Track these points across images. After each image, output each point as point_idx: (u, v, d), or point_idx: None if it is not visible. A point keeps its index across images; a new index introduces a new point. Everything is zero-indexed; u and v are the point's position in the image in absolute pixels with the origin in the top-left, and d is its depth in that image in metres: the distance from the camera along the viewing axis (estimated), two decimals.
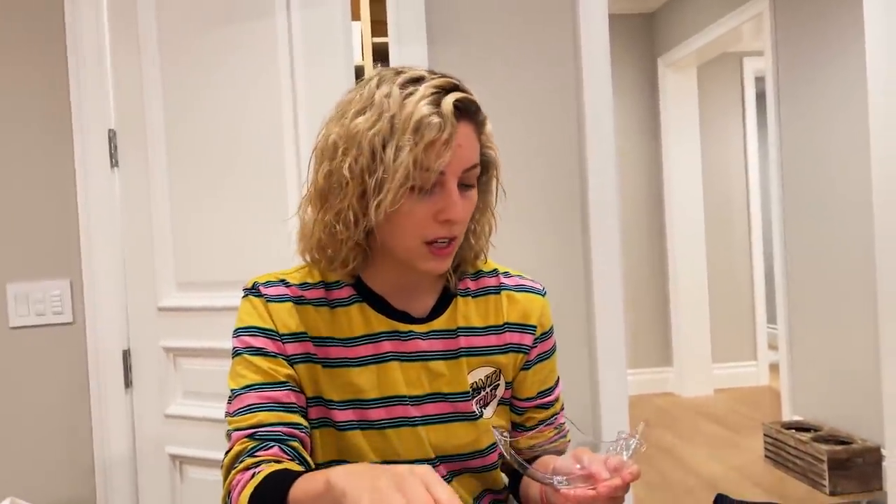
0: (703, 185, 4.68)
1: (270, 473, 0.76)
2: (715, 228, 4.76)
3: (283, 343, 0.89)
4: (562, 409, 1.06)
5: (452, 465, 0.94)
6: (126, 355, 1.84)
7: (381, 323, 0.93)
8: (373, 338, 0.92)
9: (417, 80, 0.83)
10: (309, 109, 1.61)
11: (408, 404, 0.91)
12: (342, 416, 0.90)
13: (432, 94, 0.82)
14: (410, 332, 0.93)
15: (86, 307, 1.83)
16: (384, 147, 0.81)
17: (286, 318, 0.90)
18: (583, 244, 1.90)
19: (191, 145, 1.75)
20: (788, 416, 3.54)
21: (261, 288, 0.92)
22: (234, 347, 0.91)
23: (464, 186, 0.86)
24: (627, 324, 1.81)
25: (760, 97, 4.78)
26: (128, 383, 1.84)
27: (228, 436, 0.87)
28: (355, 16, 2.24)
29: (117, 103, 1.82)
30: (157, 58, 1.77)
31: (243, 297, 0.93)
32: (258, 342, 0.89)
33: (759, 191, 4.85)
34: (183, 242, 1.78)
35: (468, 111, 0.84)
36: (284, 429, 0.85)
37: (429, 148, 0.80)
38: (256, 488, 0.75)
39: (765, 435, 3.33)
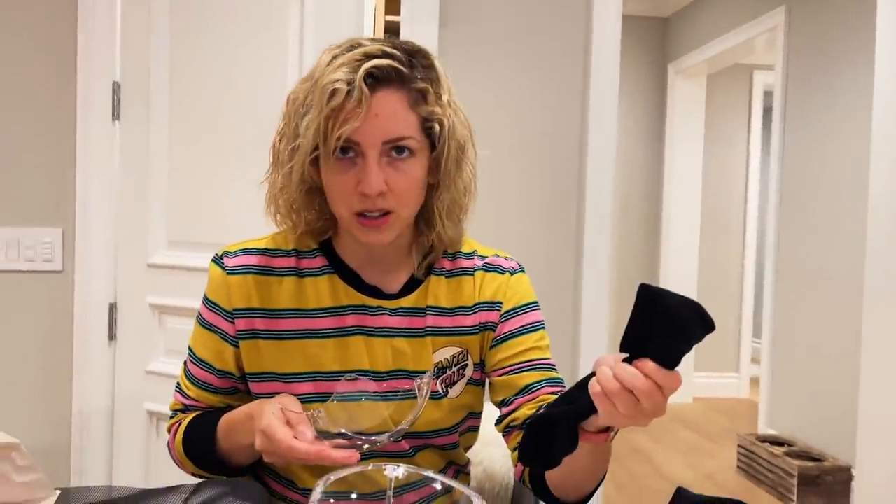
0: (701, 194, 4.68)
1: (196, 417, 0.95)
2: (709, 238, 4.76)
3: (233, 319, 0.93)
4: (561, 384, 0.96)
5: (415, 441, 0.94)
6: (112, 308, 1.84)
7: (348, 296, 0.92)
8: (338, 311, 0.92)
9: (353, 48, 0.81)
10: None
11: (370, 378, 0.91)
12: (301, 388, 0.91)
13: (354, 60, 0.80)
14: (379, 307, 0.92)
15: (76, 257, 1.82)
16: (305, 114, 0.82)
17: (242, 291, 0.92)
18: (575, 241, 1.90)
19: (194, 103, 1.75)
20: (764, 429, 3.57)
21: (225, 258, 0.94)
22: (199, 310, 0.97)
23: (394, 159, 0.83)
24: (613, 325, 1.82)
25: (768, 112, 4.77)
26: (112, 336, 1.84)
27: (177, 386, 1.00)
28: None
29: (123, 56, 1.81)
30: (166, 12, 1.76)
31: (211, 261, 0.96)
32: (211, 317, 0.95)
33: (757, 205, 4.86)
34: (178, 200, 1.78)
35: (394, 79, 0.81)
36: (206, 406, 0.98)
37: (335, 116, 0.79)
38: (189, 426, 0.94)
39: (739, 446, 3.36)
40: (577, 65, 1.89)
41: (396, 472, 0.72)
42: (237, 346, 0.93)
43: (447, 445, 0.97)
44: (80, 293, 1.82)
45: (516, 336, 0.96)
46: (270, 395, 0.91)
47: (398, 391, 0.87)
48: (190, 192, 1.76)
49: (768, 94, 4.83)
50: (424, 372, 0.91)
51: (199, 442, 0.94)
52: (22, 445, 0.75)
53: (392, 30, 2.28)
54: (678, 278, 4.63)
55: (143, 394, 1.82)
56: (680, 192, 4.62)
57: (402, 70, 0.81)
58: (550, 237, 1.90)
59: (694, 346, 0.62)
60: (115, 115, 1.82)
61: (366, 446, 0.77)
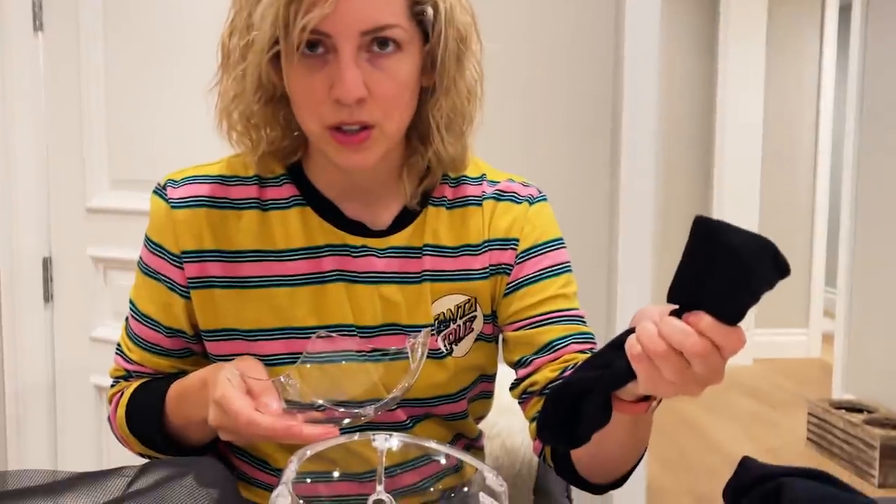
0: (763, 115, 4.60)
1: (140, 385, 0.94)
2: (773, 169, 4.70)
3: (182, 264, 0.89)
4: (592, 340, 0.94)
5: (413, 409, 0.91)
6: (46, 263, 1.83)
7: (325, 234, 0.88)
8: (313, 252, 0.88)
9: None
10: None
11: (354, 334, 0.88)
12: (269, 347, 0.88)
13: None
14: (364, 247, 0.89)
15: (0, 203, 1.80)
16: (259, 2, 0.77)
17: (191, 229, 0.89)
18: (610, 176, 1.87)
19: (133, 7, 1.70)
20: (839, 394, 3.57)
21: (168, 188, 0.90)
22: (140, 254, 0.94)
23: (376, 55, 0.78)
24: (656, 275, 1.79)
25: (845, 13, 4.65)
26: (47, 297, 1.83)
27: (118, 347, 0.98)
28: None
29: None
30: None
31: (153, 192, 0.92)
32: (154, 262, 0.91)
33: (830, 127, 4.77)
34: (119, 130, 1.74)
35: None
36: (154, 372, 0.96)
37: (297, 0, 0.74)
38: (132, 397, 0.93)
39: (809, 414, 3.36)
40: None
41: (389, 442, 0.68)
42: (188, 298, 0.90)
43: (453, 415, 0.95)
44: (6, 246, 1.81)
45: (536, 281, 0.92)
46: (232, 356, 0.87)
47: (388, 350, 0.84)
48: (134, 120, 1.72)
49: None
50: (420, 327, 0.87)
51: (144, 415, 0.91)
52: None
53: None
54: (734, 213, 4.57)
55: (88, 365, 1.82)
56: (737, 113, 4.54)
57: None
58: (577, 163, 1.87)
59: (762, 296, 0.57)
60: (37, 24, 1.78)
61: (346, 420, 0.73)
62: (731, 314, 0.57)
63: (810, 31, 4.72)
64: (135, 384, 0.95)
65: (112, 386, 0.99)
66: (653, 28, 1.82)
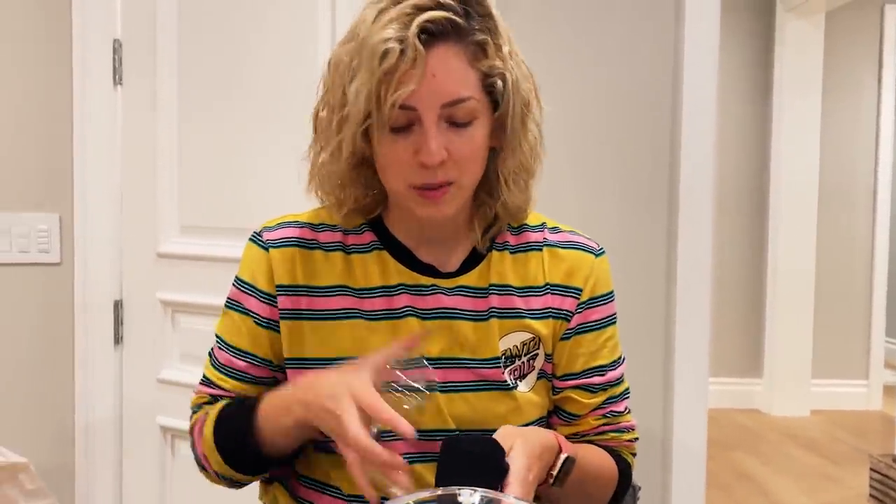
0: (820, 159, 4.56)
1: (227, 401, 0.99)
2: (831, 214, 4.64)
3: (275, 298, 0.97)
4: (623, 396, 1.05)
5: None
6: (118, 306, 1.88)
7: (400, 274, 0.97)
8: (389, 290, 0.96)
9: (400, 0, 0.84)
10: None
11: (426, 366, 0.94)
12: None
13: (404, 14, 0.82)
14: (433, 286, 0.97)
15: (75, 247, 1.87)
16: (352, 80, 0.85)
17: (285, 266, 0.97)
18: (668, 223, 1.87)
19: (208, 64, 1.77)
20: None
21: (264, 233, 1.00)
22: (229, 294, 1.01)
23: (454, 124, 0.87)
24: (711, 323, 1.80)
25: None
26: (118, 339, 1.89)
27: (204, 379, 1.03)
28: None
29: (125, 8, 1.84)
30: None
31: (248, 240, 1.01)
32: (245, 300, 0.99)
33: (890, 171, 4.71)
34: (191, 178, 1.80)
35: (450, 32, 0.84)
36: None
37: (387, 79, 0.83)
38: (224, 409, 0.97)
39: (871, 469, 3.28)
40: (666, 12, 1.85)
41: (473, 498, 0.72)
42: (276, 331, 0.98)
43: None
44: (81, 289, 1.87)
45: (591, 330, 1.02)
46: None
47: (455, 382, 0.94)
48: (206, 169, 1.78)
49: None
50: (491, 360, 0.96)
51: (234, 421, 0.95)
52: (31, 465, 0.77)
53: None
54: (791, 263, 4.52)
55: (155, 406, 1.86)
56: (793, 156, 4.51)
57: (458, 22, 0.85)
58: (634, 217, 1.87)
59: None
60: (117, 78, 1.85)
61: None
62: None
63: (868, 76, 4.69)
64: (222, 403, 1.00)
65: (194, 412, 1.04)
66: (709, 78, 1.82)
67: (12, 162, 1.88)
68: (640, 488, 1.15)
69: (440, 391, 0.94)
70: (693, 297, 1.83)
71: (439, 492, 0.72)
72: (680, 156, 1.82)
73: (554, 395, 1.03)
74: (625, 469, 1.04)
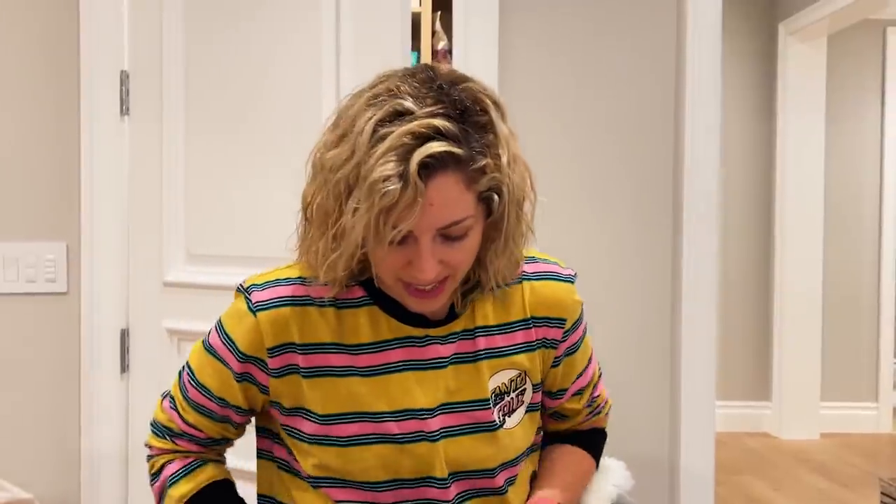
0: (825, 179, 4.54)
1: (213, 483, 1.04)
2: (837, 234, 4.63)
3: (264, 360, 0.97)
4: (599, 379, 1.14)
5: (463, 483, 1.00)
6: (124, 335, 1.90)
7: (391, 329, 0.98)
8: (379, 346, 0.98)
9: (400, 116, 0.84)
10: (354, 62, 1.63)
11: (424, 417, 0.97)
12: (345, 430, 0.97)
13: (402, 145, 0.82)
14: (427, 336, 0.98)
15: (82, 276, 1.88)
16: (349, 195, 0.85)
17: (275, 327, 0.96)
18: (672, 245, 1.88)
19: (215, 95, 1.79)
20: None
21: (253, 293, 0.98)
22: (210, 339, 1.01)
23: (449, 237, 0.88)
24: (718, 346, 1.79)
25: None
26: (124, 368, 1.90)
27: (163, 397, 1.08)
28: None
29: (132, 40, 1.87)
30: None
31: (237, 292, 1.01)
32: (222, 351, 0.99)
33: (895, 192, 4.71)
34: (197, 208, 1.82)
35: (450, 163, 0.84)
36: (203, 436, 1.05)
37: (387, 212, 0.83)
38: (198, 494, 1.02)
39: (882, 493, 3.25)
40: (668, 34, 1.86)
41: None
42: (252, 383, 0.99)
43: (491, 490, 1.01)
44: (88, 318, 1.88)
45: (574, 352, 1.07)
46: (311, 435, 0.97)
47: (451, 427, 0.98)
48: (212, 198, 1.80)
49: None
50: (481, 401, 0.99)
51: None
52: (36, 501, 0.78)
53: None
54: (796, 285, 4.51)
55: None
56: (798, 177, 4.51)
57: (458, 153, 0.84)
58: (639, 240, 1.88)
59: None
60: (124, 108, 1.88)
61: None
62: None
63: (872, 97, 4.70)
64: (189, 486, 1.03)
65: (155, 435, 1.07)
66: (713, 101, 1.83)
67: (21, 191, 1.90)
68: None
69: (440, 438, 0.97)
70: (699, 319, 1.83)
71: None
72: (684, 178, 1.84)
73: (548, 409, 1.10)
74: (598, 447, 1.16)
